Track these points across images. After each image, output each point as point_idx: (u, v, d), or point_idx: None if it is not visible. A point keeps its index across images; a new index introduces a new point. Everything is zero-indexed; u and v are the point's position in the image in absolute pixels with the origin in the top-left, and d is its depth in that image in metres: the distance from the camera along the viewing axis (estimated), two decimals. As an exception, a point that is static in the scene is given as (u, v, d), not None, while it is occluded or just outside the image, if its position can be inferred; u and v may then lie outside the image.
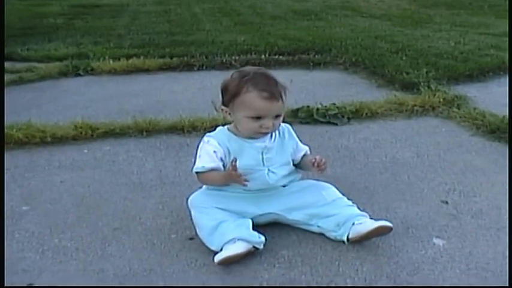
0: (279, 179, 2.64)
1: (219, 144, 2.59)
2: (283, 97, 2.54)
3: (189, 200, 2.66)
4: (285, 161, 2.69)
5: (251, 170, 2.57)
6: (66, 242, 2.56)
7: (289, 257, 2.42)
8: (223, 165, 2.58)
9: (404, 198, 2.93)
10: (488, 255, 2.40)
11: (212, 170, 2.57)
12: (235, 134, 2.62)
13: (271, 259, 2.40)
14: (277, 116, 2.55)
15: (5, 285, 2.25)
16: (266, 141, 2.62)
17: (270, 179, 2.61)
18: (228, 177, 2.53)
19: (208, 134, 2.67)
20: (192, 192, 2.69)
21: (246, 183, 2.48)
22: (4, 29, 7.04)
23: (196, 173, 2.62)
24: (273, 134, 2.65)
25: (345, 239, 2.47)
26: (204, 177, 2.62)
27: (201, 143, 2.63)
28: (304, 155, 2.75)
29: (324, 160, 2.58)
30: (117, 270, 2.35)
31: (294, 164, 2.74)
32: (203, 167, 2.58)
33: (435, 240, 2.52)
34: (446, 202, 2.88)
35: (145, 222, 2.73)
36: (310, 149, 2.78)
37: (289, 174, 2.70)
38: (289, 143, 2.70)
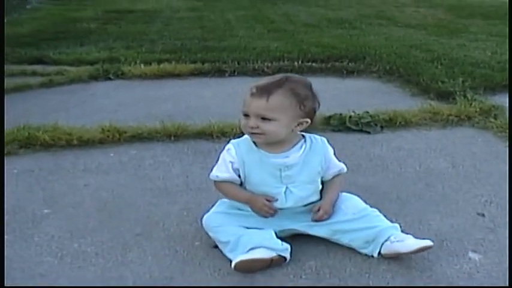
0: (297, 200, 2.47)
1: (236, 154, 2.46)
2: (278, 99, 2.33)
3: (203, 222, 2.54)
4: (310, 179, 2.49)
5: (267, 187, 2.44)
6: (86, 247, 2.50)
7: (316, 268, 2.32)
8: (239, 175, 2.47)
9: (439, 210, 2.82)
10: (527, 271, 2.29)
11: (227, 181, 2.47)
12: (257, 145, 2.47)
13: (298, 270, 2.31)
14: (264, 119, 2.35)
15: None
16: (289, 157, 2.45)
17: (287, 200, 2.45)
18: (253, 203, 2.43)
19: (232, 140, 2.54)
20: (208, 210, 2.57)
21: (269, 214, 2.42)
22: (4, 31, 7.01)
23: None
24: (303, 147, 2.48)
25: (375, 255, 2.36)
26: (220, 187, 2.53)
27: (224, 149, 2.52)
28: (338, 175, 2.58)
29: (325, 217, 2.45)
30: (137, 277, 2.28)
31: (322, 181, 2.56)
32: (217, 176, 2.49)
33: (471, 255, 2.42)
34: (483, 215, 2.77)
35: (168, 228, 2.66)
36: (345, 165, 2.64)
37: (312, 194, 2.51)
38: (317, 159, 2.50)
